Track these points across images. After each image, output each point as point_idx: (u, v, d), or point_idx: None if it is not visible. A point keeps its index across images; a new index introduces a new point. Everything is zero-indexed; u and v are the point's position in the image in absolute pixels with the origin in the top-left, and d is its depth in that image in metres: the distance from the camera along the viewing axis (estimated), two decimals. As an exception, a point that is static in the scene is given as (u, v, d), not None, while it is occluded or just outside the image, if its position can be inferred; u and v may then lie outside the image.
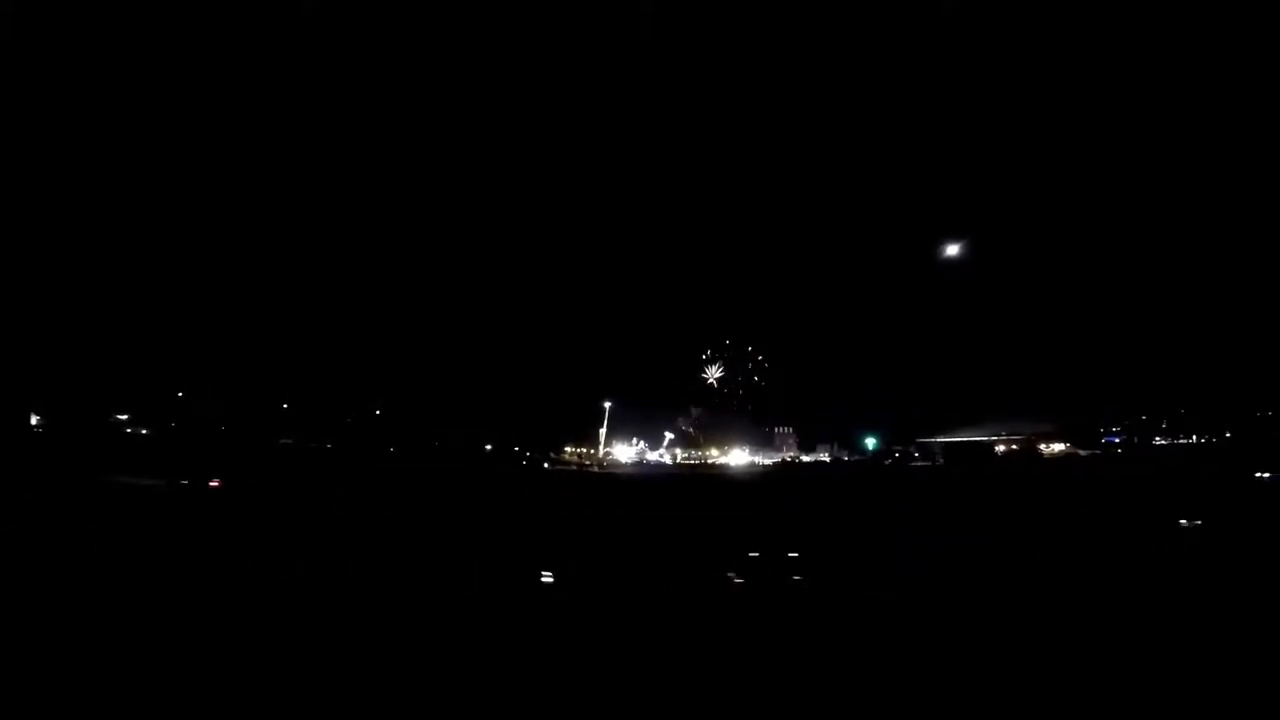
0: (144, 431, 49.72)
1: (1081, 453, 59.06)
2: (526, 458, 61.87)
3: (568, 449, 65.38)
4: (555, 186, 67.27)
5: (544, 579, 15.71)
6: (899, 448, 64.64)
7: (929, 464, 61.62)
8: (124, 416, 50.44)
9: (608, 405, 64.87)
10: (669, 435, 67.42)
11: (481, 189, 65.40)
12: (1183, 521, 22.89)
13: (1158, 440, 59.47)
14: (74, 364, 49.40)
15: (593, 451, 65.98)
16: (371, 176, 65.13)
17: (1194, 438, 57.14)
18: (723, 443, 66.95)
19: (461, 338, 63.04)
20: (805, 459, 65.62)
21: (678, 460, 66.22)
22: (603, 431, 65.47)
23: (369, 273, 64.04)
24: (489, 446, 61.94)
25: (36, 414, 46.89)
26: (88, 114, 53.94)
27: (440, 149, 66.12)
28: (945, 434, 62.54)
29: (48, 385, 47.58)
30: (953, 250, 53.83)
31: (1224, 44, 47.56)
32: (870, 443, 65.37)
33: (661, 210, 70.18)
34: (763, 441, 66.83)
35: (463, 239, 65.30)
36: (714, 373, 68.78)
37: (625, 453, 65.89)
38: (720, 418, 68.14)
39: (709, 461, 65.87)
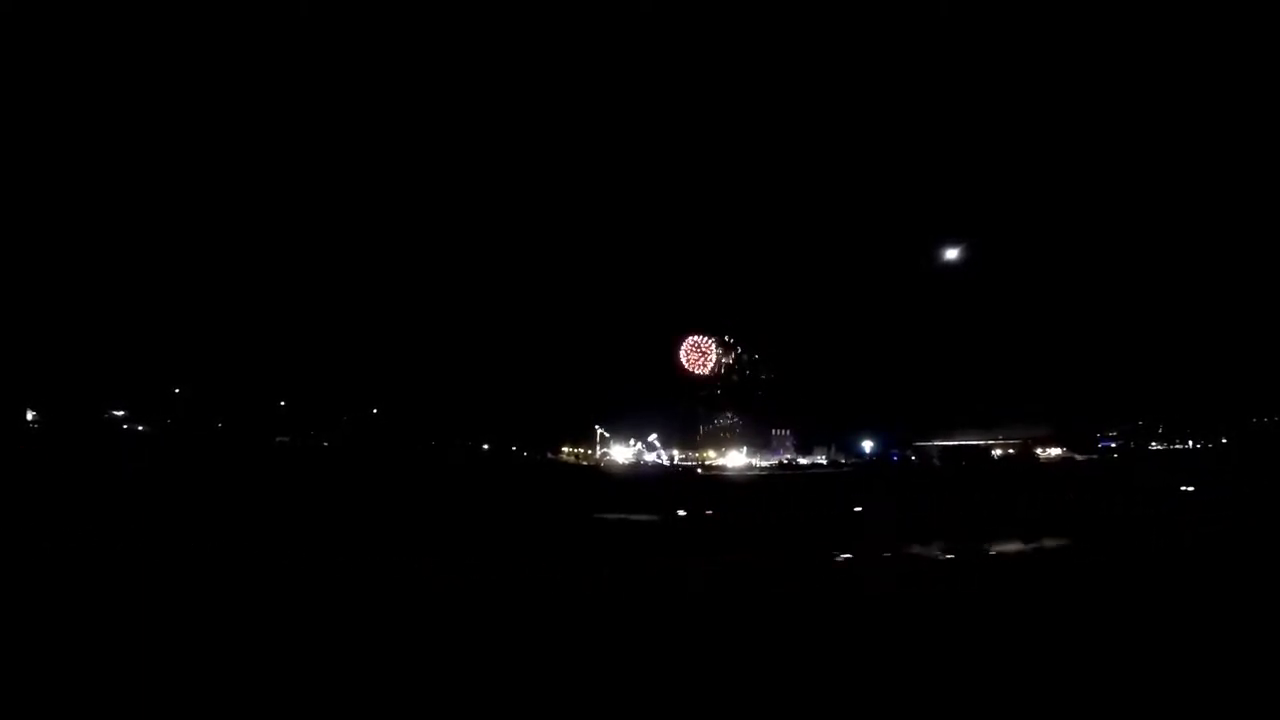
0: (141, 428, 49.58)
1: (1078, 457, 59.26)
2: (524, 456, 61.87)
3: (565, 449, 65.47)
4: (554, 189, 67.35)
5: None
6: (896, 450, 64.76)
7: (925, 467, 61.77)
8: (120, 412, 50.27)
9: (599, 430, 65.27)
10: (654, 438, 67.29)
11: (483, 190, 65.43)
12: None
13: (1154, 445, 59.73)
14: (69, 359, 49.23)
15: (589, 452, 66.03)
16: (372, 180, 65.13)
17: (1190, 443, 57.41)
18: (721, 445, 66.99)
19: (458, 336, 63.02)
20: (802, 461, 65.63)
21: (675, 461, 66.22)
22: (599, 432, 65.61)
23: (366, 272, 64.00)
24: (486, 446, 61.92)
25: (32, 410, 46.70)
26: (84, 110, 53.78)
27: (442, 153, 66.14)
28: (942, 438, 62.68)
29: (43, 381, 47.40)
30: (951, 254, 53.94)
31: (1222, 48, 47.76)
32: (867, 446, 65.47)
33: (663, 213, 70.29)
34: (760, 444, 66.85)
35: (463, 239, 65.33)
36: (712, 374, 68.83)
37: (622, 453, 65.87)
38: (720, 420, 68.22)
39: (706, 463, 65.86)
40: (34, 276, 50.53)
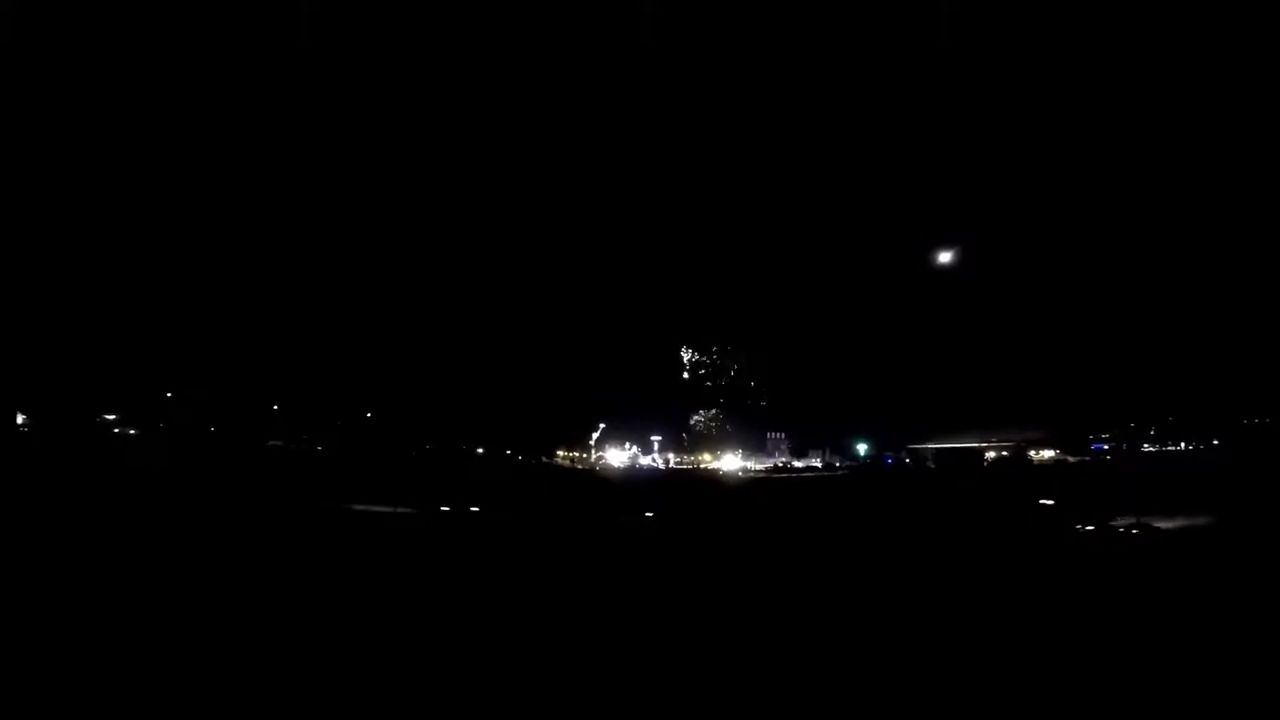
0: (132, 432, 49.25)
1: (1070, 459, 59.64)
2: (518, 459, 61.85)
3: (560, 452, 65.44)
4: (547, 189, 67.22)
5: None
6: (890, 454, 64.98)
7: (920, 469, 62.16)
8: (112, 416, 49.91)
9: (602, 426, 65.23)
10: (658, 439, 67.35)
11: (479, 194, 65.31)
12: None
13: (1146, 447, 60.08)
14: (61, 363, 48.82)
15: (584, 455, 65.98)
16: (367, 182, 64.87)
17: (1182, 444, 57.80)
18: (715, 448, 67.05)
19: (453, 340, 62.81)
20: (797, 464, 65.83)
21: (670, 465, 66.32)
22: (595, 436, 65.57)
23: (361, 275, 63.71)
24: (480, 450, 61.81)
25: (22, 413, 46.38)
26: (69, 111, 53.42)
27: (435, 155, 65.96)
28: (937, 440, 62.89)
29: (34, 384, 47.01)
30: (945, 258, 54.23)
31: (1220, 49, 48.19)
32: (862, 449, 65.65)
33: (657, 215, 70.23)
34: (755, 447, 66.96)
35: (458, 242, 65.09)
36: (705, 378, 68.92)
37: (618, 457, 65.95)
38: (714, 423, 68.27)
39: (701, 466, 66.01)
40: (24, 279, 50.16)
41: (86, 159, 54.04)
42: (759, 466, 65.03)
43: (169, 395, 53.62)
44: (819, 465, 65.08)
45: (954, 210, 60.13)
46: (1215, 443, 55.60)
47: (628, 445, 67.64)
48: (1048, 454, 60.77)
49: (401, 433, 59.99)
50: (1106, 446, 61.09)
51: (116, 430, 49.18)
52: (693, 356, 69.15)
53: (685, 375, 69.25)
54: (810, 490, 52.34)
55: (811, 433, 66.77)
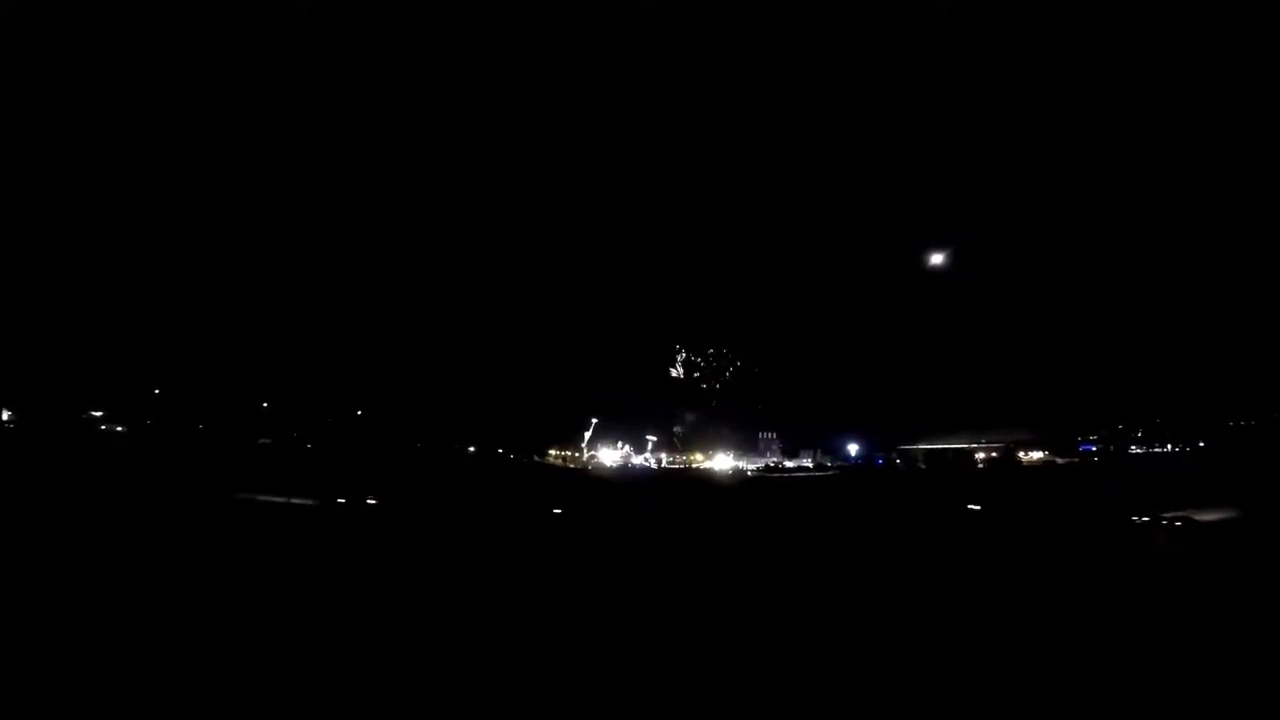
0: (119, 429, 48.80)
1: (1059, 460, 60.14)
2: (510, 459, 61.75)
3: (552, 451, 65.38)
4: (539, 188, 67.13)
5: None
6: (880, 455, 65.35)
7: (910, 470, 62.56)
8: (99, 413, 49.43)
9: (594, 421, 65.17)
10: (651, 439, 67.44)
11: (470, 189, 65.14)
12: None
13: (1133, 449, 60.66)
14: (46, 359, 48.32)
15: (576, 455, 65.93)
16: (358, 179, 64.56)
17: (1169, 446, 58.39)
18: (708, 448, 67.20)
19: (444, 337, 62.63)
20: (789, 464, 66.08)
21: (663, 464, 66.42)
22: (588, 434, 65.53)
23: (353, 273, 63.41)
24: (472, 448, 61.64)
25: (7, 410, 45.87)
26: (53, 108, 52.87)
27: (427, 153, 65.70)
28: (927, 441, 63.28)
29: (19, 380, 46.48)
30: (937, 259, 54.54)
31: (1212, 53, 48.63)
32: (853, 449, 65.97)
33: (650, 214, 70.26)
34: (747, 447, 67.17)
35: (449, 240, 64.92)
36: (697, 377, 69.02)
37: (610, 456, 65.98)
38: (707, 423, 68.41)
39: (693, 466, 66.14)
40: (9, 274, 49.57)
41: (73, 155, 53.48)
42: (751, 466, 65.26)
43: (157, 392, 53.13)
44: (810, 465, 65.37)
45: (944, 213, 60.50)
46: (1202, 444, 56.22)
47: (620, 444, 67.69)
48: (1036, 455, 61.25)
49: (392, 431, 59.73)
50: (1095, 448, 61.68)
51: (103, 427, 48.70)
52: (686, 356, 69.30)
53: (678, 375, 69.45)
54: (800, 490, 52.73)
55: (803, 433, 67.19)
